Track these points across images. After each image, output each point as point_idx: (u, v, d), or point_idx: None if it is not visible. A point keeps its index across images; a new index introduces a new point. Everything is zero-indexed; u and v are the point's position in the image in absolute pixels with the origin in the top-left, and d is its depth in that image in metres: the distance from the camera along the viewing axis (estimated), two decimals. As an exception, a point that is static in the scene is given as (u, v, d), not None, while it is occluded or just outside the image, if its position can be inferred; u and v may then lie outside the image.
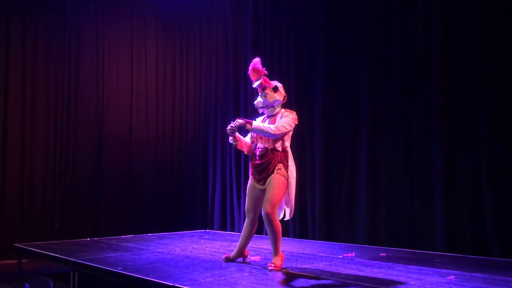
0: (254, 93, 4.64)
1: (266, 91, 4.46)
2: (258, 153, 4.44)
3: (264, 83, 4.47)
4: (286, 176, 4.37)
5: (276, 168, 4.34)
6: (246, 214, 4.60)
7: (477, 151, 5.18)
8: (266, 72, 4.55)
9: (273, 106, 4.50)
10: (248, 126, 4.33)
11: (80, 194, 7.30)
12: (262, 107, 4.53)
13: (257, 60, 4.57)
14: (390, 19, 6.00)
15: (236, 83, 7.96)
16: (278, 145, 4.39)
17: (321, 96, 6.61)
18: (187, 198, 8.37)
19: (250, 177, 4.55)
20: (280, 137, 4.39)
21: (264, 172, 4.38)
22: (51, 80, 7.18)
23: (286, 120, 4.40)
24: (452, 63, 5.43)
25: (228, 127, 4.39)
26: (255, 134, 4.49)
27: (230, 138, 4.45)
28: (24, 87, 6.93)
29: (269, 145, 4.39)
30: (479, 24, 5.21)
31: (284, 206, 4.49)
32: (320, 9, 6.74)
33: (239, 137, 4.50)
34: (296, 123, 4.49)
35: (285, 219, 4.53)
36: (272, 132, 4.31)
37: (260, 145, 4.45)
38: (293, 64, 7.01)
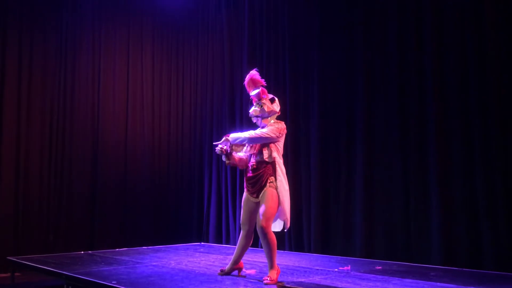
0: (249, 103, 4.65)
1: (263, 101, 4.47)
2: (250, 166, 4.45)
3: (261, 93, 4.49)
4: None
5: (269, 181, 4.34)
6: (241, 226, 4.58)
7: (473, 163, 5.18)
8: (264, 83, 4.57)
9: (268, 116, 4.50)
10: (225, 137, 4.43)
11: (74, 206, 7.24)
12: (257, 116, 4.53)
13: (254, 72, 4.59)
14: (385, 23, 6.02)
15: (231, 94, 7.97)
16: (266, 156, 4.37)
17: (316, 105, 6.61)
18: (183, 211, 8.34)
19: (245, 189, 4.54)
20: (258, 141, 4.38)
21: (256, 184, 4.37)
22: (46, 91, 7.15)
23: (269, 128, 4.41)
24: (448, 71, 5.43)
25: (217, 149, 4.47)
26: (248, 148, 4.49)
27: (223, 156, 4.48)
28: (20, 96, 6.89)
29: (257, 157, 4.40)
30: (476, 28, 5.22)
31: (278, 219, 4.47)
32: (315, 15, 6.77)
33: (233, 155, 4.51)
34: (283, 133, 4.47)
35: (279, 230, 4.50)
36: (248, 136, 4.35)
37: (252, 158, 4.45)
38: (289, 72, 7.01)
